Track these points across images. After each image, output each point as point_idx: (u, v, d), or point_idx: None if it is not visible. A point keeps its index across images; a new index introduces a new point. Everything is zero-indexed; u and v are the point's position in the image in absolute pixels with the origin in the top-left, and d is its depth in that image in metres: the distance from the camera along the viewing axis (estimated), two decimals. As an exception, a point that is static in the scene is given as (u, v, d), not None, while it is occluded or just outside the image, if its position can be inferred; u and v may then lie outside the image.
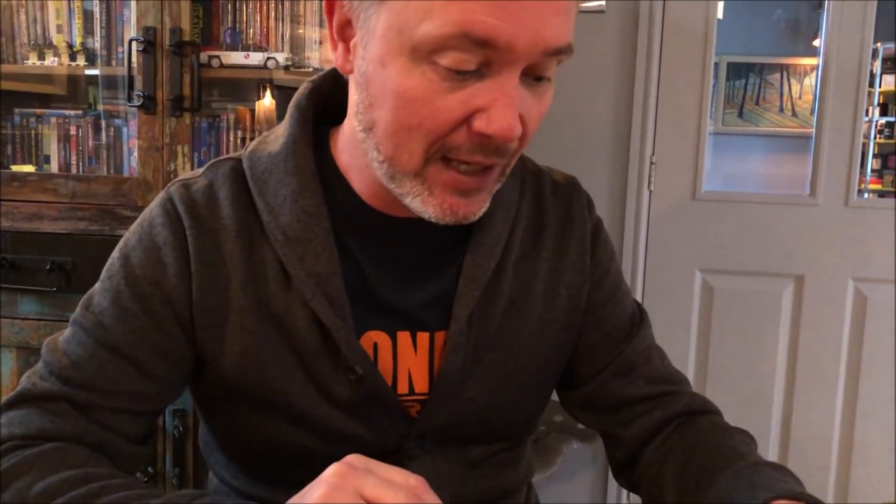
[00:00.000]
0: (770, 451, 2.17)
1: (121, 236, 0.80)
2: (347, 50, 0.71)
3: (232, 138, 1.77)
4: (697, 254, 2.13)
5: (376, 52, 0.66)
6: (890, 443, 2.10)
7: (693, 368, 2.17)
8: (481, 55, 0.63)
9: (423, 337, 0.80)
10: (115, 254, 0.78)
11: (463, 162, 0.68)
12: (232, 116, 1.78)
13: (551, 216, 0.86)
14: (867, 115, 3.85)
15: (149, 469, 1.80)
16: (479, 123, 0.65)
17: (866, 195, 3.35)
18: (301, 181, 0.76)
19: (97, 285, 0.77)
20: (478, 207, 0.71)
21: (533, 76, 0.67)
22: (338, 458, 0.80)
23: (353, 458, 0.60)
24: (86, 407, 0.72)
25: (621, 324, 0.88)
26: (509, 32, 0.61)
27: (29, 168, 1.85)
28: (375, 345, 0.78)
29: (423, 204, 0.69)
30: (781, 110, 3.80)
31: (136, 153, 1.73)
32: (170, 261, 0.75)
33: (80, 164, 1.83)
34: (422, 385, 0.80)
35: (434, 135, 0.66)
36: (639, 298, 2.13)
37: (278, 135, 0.80)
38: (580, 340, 0.87)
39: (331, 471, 0.58)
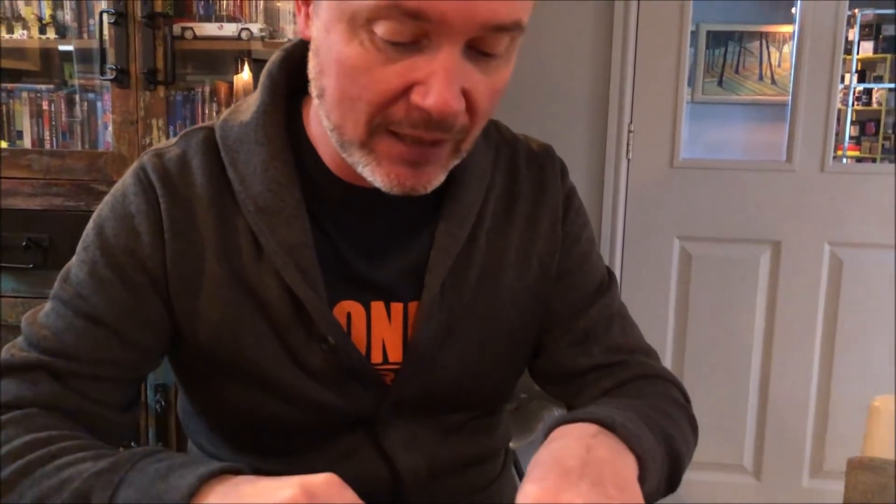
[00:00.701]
0: (748, 416, 2.21)
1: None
2: (307, 15, 0.71)
3: (208, 111, 1.76)
4: (675, 221, 2.15)
5: (324, 19, 0.66)
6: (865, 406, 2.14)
7: (672, 336, 2.19)
8: (416, 27, 0.62)
9: (396, 307, 0.80)
10: (90, 225, 0.78)
11: (407, 135, 0.67)
12: (207, 89, 1.77)
13: (525, 185, 0.86)
14: (844, 82, 3.87)
15: (132, 444, 1.81)
16: (416, 97, 0.64)
17: (845, 161, 3.37)
18: (271, 151, 0.76)
19: (74, 258, 0.77)
20: (427, 180, 0.70)
21: (479, 51, 0.66)
22: (313, 427, 0.82)
23: (320, 485, 0.54)
24: (64, 375, 0.72)
25: (586, 293, 0.87)
26: (440, 5, 0.60)
27: (1, 144, 1.83)
28: (349, 314, 0.79)
29: (372, 173, 0.69)
30: (761, 78, 3.81)
31: (110, 127, 1.72)
32: (144, 229, 0.74)
33: (54, 139, 1.81)
34: (396, 355, 0.80)
35: (374, 106, 0.66)
36: (617, 267, 2.15)
37: (250, 104, 0.79)
38: (546, 309, 0.87)
39: (285, 495, 0.53)
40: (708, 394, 2.19)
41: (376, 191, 0.74)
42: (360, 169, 0.70)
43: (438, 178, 0.71)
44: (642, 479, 0.63)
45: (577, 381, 0.86)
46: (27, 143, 1.83)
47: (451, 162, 0.72)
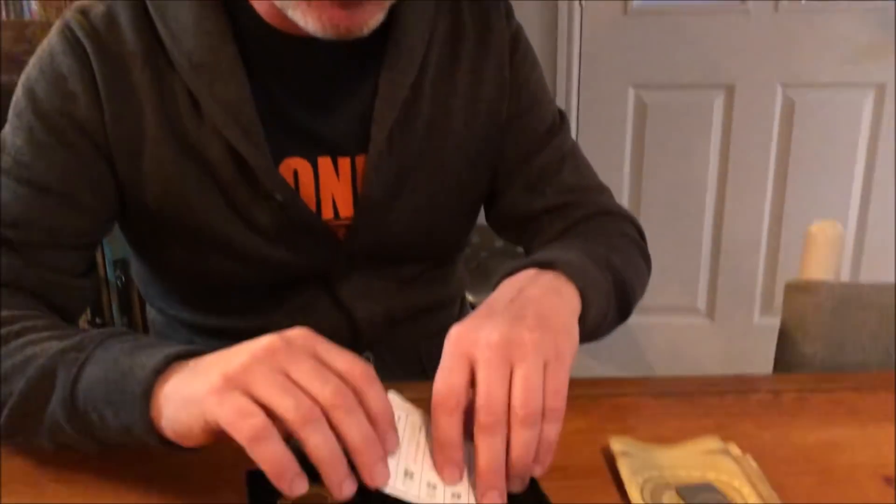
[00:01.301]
0: (702, 259, 2.27)
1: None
2: None
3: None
4: (630, 70, 2.12)
5: None
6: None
7: (628, 183, 2.22)
8: None
9: (344, 162, 0.79)
10: (19, 91, 0.74)
11: None
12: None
13: (469, 29, 0.83)
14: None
15: (96, 319, 1.82)
16: None
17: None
18: (201, 3, 0.72)
19: (6, 128, 0.74)
20: (363, 20, 0.67)
21: None
22: (270, 283, 0.82)
23: (296, 334, 0.52)
24: (19, 246, 0.71)
25: (537, 136, 0.86)
26: None
27: (-81, 17, 1.72)
28: (295, 172, 0.78)
29: (304, 17, 0.66)
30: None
31: (34, -7, 1.62)
32: (78, 90, 0.71)
33: (-25, 9, 1.71)
34: (347, 210, 0.80)
35: None
36: (573, 117, 2.14)
37: None
38: (497, 155, 0.86)
39: (263, 342, 0.51)
40: (663, 239, 2.24)
41: (314, 39, 0.71)
42: (290, 13, 0.67)
43: (376, 19, 0.68)
44: (585, 309, 0.64)
45: (531, 224, 0.86)
46: (-53, 15, 1.72)
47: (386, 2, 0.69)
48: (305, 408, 0.48)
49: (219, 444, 0.63)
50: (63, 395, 0.56)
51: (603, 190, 0.89)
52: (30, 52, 1.63)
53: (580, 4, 2.06)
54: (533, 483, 0.54)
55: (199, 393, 0.50)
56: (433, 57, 0.80)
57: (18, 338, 0.62)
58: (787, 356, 0.83)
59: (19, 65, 1.63)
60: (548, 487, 0.54)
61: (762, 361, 0.88)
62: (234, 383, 0.49)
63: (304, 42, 0.74)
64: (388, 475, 0.50)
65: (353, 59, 0.77)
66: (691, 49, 2.10)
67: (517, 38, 0.86)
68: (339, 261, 0.82)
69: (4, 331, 0.62)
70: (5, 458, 0.62)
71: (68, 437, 0.58)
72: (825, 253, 0.83)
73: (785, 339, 0.83)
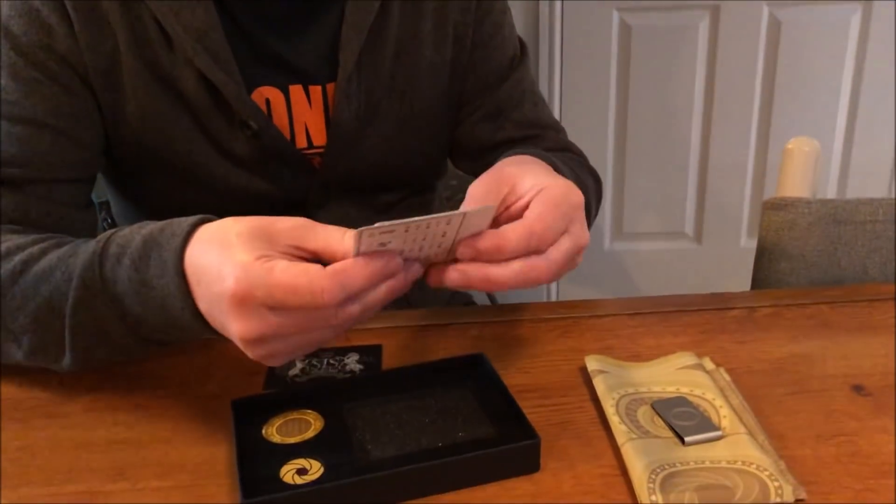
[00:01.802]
0: (689, 183, 2.27)
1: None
2: None
3: None
4: (614, -9, 2.08)
5: None
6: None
7: (613, 107, 2.20)
8: None
9: (315, 90, 0.79)
10: None
11: None
12: None
13: None
14: None
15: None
16: None
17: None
18: None
19: None
20: None
21: None
22: (248, 215, 0.82)
23: (243, 298, 0.49)
24: (21, 183, 0.70)
25: (499, 67, 0.87)
26: None
27: None
28: (268, 101, 0.78)
29: None
30: None
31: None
32: (53, 21, 0.70)
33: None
34: (320, 138, 0.80)
35: None
36: (557, 41, 2.11)
37: None
38: (461, 82, 0.86)
39: (231, 329, 0.50)
40: (650, 164, 2.24)
41: None
42: None
43: None
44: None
45: (489, 155, 0.87)
46: None
47: None
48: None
49: (205, 377, 0.65)
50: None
51: (560, 129, 0.91)
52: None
53: (562, -75, 2.01)
54: (518, 412, 0.55)
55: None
56: None
57: (24, 273, 0.61)
58: (763, 273, 0.84)
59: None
60: (526, 406, 0.56)
61: (749, 284, 0.89)
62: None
63: None
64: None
65: None
66: (676, -32, 2.05)
67: None
68: (315, 190, 0.82)
69: (11, 265, 0.62)
70: (-5, 396, 0.64)
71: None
72: (802, 170, 0.83)
73: (762, 256, 0.84)
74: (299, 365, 0.66)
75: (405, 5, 0.80)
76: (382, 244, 0.50)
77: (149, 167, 0.78)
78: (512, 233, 0.53)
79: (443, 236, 0.52)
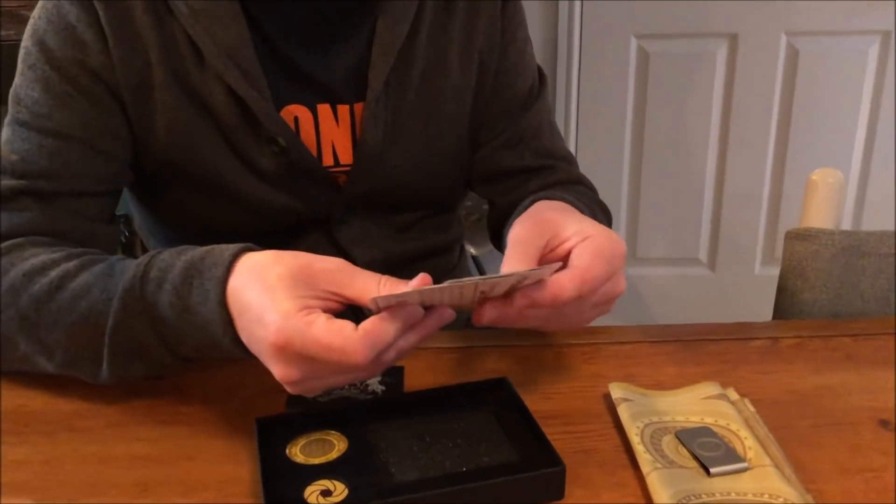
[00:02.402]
0: (704, 209, 2.27)
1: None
2: None
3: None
4: (632, 18, 2.09)
5: None
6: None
7: (630, 133, 2.20)
8: None
9: (343, 109, 0.80)
10: (27, 42, 0.74)
11: None
12: None
13: None
14: None
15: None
16: None
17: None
18: None
19: (18, 79, 0.74)
20: None
21: None
22: (271, 229, 0.83)
23: (280, 355, 0.53)
24: (49, 196, 0.71)
25: (520, 94, 0.88)
26: None
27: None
28: (296, 118, 0.79)
29: None
30: None
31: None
32: (88, 38, 0.72)
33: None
34: (346, 157, 0.81)
35: None
36: (575, 67, 2.12)
37: None
38: (483, 107, 0.87)
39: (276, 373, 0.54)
40: (665, 190, 2.24)
41: None
42: None
43: None
44: None
45: (506, 181, 0.89)
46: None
47: None
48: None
49: (229, 394, 0.65)
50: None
51: (573, 161, 0.93)
52: (28, 7, 1.62)
53: (582, -48, 2.03)
54: (542, 438, 0.55)
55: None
56: (428, 5, 0.81)
57: (60, 291, 0.62)
58: (785, 304, 0.84)
59: (20, 19, 1.62)
60: (549, 432, 0.56)
61: (763, 312, 0.89)
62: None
63: None
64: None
65: (351, 5, 0.78)
66: (694, -3, 2.07)
67: None
68: (338, 206, 0.83)
69: (47, 280, 0.62)
70: (17, 408, 0.64)
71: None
72: (826, 201, 0.83)
73: (784, 287, 0.84)
74: (321, 385, 0.66)
75: (433, 29, 0.81)
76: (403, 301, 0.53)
77: (175, 181, 0.79)
78: (569, 283, 0.56)
79: (490, 290, 0.55)
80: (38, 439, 0.60)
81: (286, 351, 0.51)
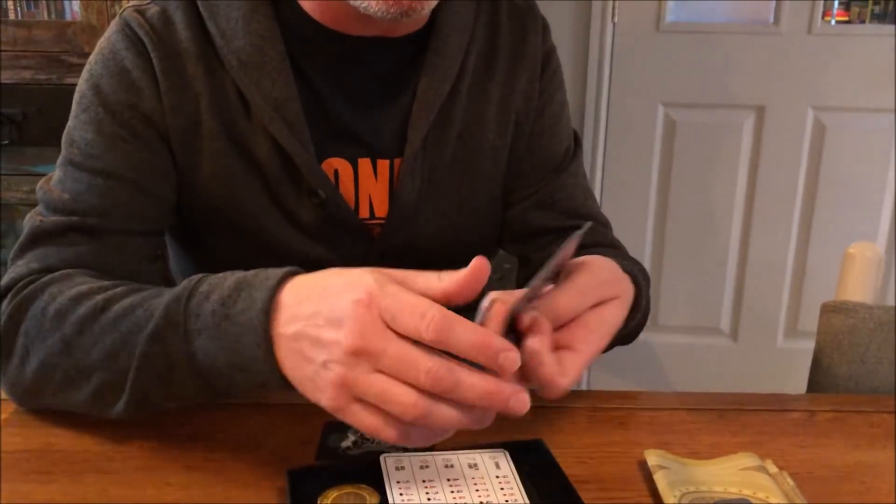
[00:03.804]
0: (727, 280, 2.26)
1: (69, 85, 0.79)
2: None
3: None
4: (660, 87, 2.12)
5: None
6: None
7: (654, 200, 2.21)
8: None
9: (383, 164, 0.81)
10: (83, 86, 0.76)
11: None
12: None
13: (505, 39, 0.85)
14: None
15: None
16: None
17: (833, 23, 3.30)
18: (252, 4, 0.75)
19: (72, 122, 0.76)
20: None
21: None
22: None
23: (357, 311, 0.50)
24: (97, 232, 0.72)
25: (554, 156, 0.89)
26: None
27: (-37, 14, 1.75)
28: (336, 171, 0.80)
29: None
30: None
31: (76, -5, 1.65)
32: (142, 84, 0.74)
33: (18, 8, 1.74)
34: (382, 209, 0.82)
35: None
36: (601, 132, 2.14)
37: None
38: (517, 167, 0.88)
39: (343, 342, 0.50)
40: (688, 258, 2.24)
41: (362, 39, 0.74)
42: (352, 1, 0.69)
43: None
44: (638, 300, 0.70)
45: (538, 239, 0.89)
46: (-10, 13, 1.76)
47: None
48: (413, 411, 0.49)
49: (258, 442, 0.65)
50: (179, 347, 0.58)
51: (607, 224, 0.94)
52: (70, 53, 1.67)
53: (612, 21, 2.07)
54: (573, 495, 0.54)
55: (315, 396, 0.53)
56: (470, 65, 0.83)
57: (105, 311, 0.62)
58: (820, 377, 0.83)
59: (59, 63, 1.66)
60: (585, 498, 0.55)
61: (786, 385, 0.88)
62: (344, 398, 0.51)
63: (352, 42, 0.76)
64: (525, 400, 0.50)
65: (395, 61, 0.80)
66: (723, 68, 2.09)
67: (549, 57, 0.89)
68: (371, 259, 0.83)
69: (92, 302, 0.63)
70: (47, 447, 0.63)
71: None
72: (863, 274, 0.82)
73: (820, 360, 0.83)
74: (351, 438, 0.65)
75: (474, 88, 0.83)
76: None
77: (215, 226, 0.80)
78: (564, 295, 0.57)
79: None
80: (65, 479, 0.60)
81: (371, 308, 0.49)
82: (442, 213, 0.84)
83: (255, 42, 0.74)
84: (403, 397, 0.49)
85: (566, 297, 0.57)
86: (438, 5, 0.81)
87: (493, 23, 0.85)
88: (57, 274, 0.68)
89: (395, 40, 0.78)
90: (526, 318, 0.55)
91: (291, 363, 0.53)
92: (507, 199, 0.89)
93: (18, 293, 0.67)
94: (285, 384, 0.55)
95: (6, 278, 0.70)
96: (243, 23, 0.74)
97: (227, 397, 0.62)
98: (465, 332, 0.49)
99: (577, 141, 0.93)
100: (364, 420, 0.51)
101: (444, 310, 0.49)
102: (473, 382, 0.49)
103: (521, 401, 0.50)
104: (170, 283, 0.89)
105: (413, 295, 0.50)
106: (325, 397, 0.52)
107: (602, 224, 0.92)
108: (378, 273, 0.52)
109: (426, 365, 0.48)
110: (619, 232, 0.95)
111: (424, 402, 0.49)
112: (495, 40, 0.85)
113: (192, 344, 0.57)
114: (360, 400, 0.51)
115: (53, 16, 1.76)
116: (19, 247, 0.72)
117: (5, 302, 0.67)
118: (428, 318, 0.48)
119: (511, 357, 0.49)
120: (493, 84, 0.84)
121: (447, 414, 0.50)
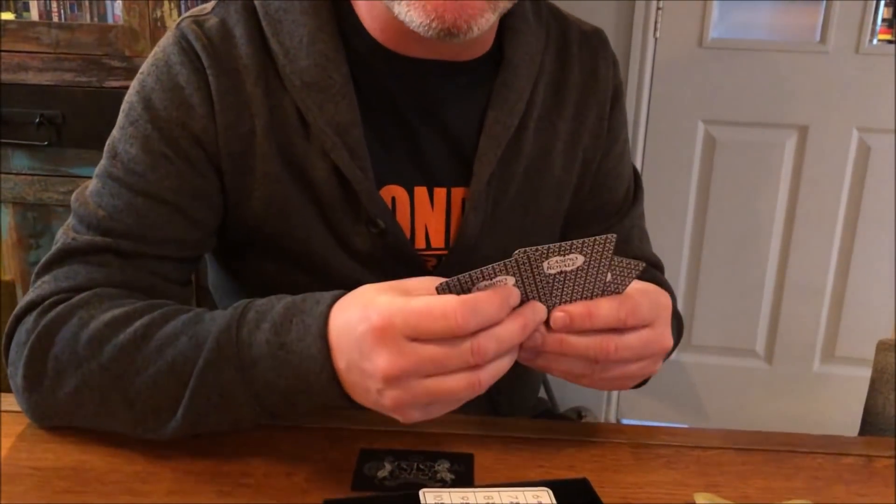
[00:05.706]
0: (763, 301, 2.21)
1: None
2: None
3: (219, -18, 1.68)
4: (701, 104, 2.09)
5: None
6: (881, 296, 2.14)
7: (692, 219, 2.17)
8: None
9: (440, 192, 0.78)
10: (133, 98, 0.73)
11: None
12: (218, -42, 1.68)
13: (575, 72, 0.82)
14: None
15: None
16: None
17: (875, 42, 3.24)
18: (317, 23, 0.71)
19: (117, 133, 0.73)
20: (471, 15, 0.64)
21: None
22: None
23: (383, 333, 0.53)
24: (131, 256, 0.70)
25: (616, 198, 0.88)
26: None
27: (8, 15, 1.77)
28: (394, 199, 0.76)
29: (408, 9, 0.64)
30: (794, -45, 3.60)
31: (119, -1, 1.65)
32: (195, 101, 0.71)
33: (62, 11, 1.75)
34: (438, 241, 0.79)
35: None
36: (640, 148, 2.11)
37: None
38: (580, 204, 0.86)
39: (378, 365, 0.53)
40: (725, 278, 2.19)
41: (425, 62, 0.72)
42: (395, 9, 0.65)
43: (485, 19, 0.65)
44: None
45: None
46: (34, 15, 1.77)
47: (501, 3, 0.67)
48: (475, 389, 0.54)
49: (292, 468, 0.63)
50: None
51: (661, 267, 0.92)
52: (111, 56, 1.67)
53: (654, 37, 2.04)
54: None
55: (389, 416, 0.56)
56: (539, 96, 0.80)
57: (146, 340, 0.62)
58: (875, 417, 0.79)
59: (100, 66, 1.66)
60: (634, 543, 0.52)
61: (820, 412, 0.85)
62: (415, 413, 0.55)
63: (414, 63, 0.73)
64: (542, 308, 0.57)
65: (457, 86, 0.76)
66: (765, 86, 2.05)
67: (619, 92, 0.87)
68: None
69: (132, 330, 0.62)
70: (79, 465, 0.62)
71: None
72: (922, 312, 0.79)
73: (874, 399, 0.80)
74: (388, 467, 0.63)
75: (542, 122, 0.80)
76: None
77: (265, 249, 0.77)
78: (607, 302, 0.58)
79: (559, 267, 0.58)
80: (95, 499, 0.59)
81: (387, 332, 0.52)
82: (500, 249, 0.80)
83: (320, 63, 0.71)
84: (460, 385, 0.53)
85: (609, 304, 0.58)
86: (510, 32, 0.78)
87: (563, 53, 0.82)
88: (85, 295, 0.66)
89: (457, 64, 0.75)
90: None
91: (353, 392, 0.56)
92: (564, 237, 0.87)
93: (45, 313, 0.65)
94: (351, 404, 0.57)
95: (33, 294, 0.68)
96: (308, 41, 0.71)
97: (283, 419, 0.64)
98: (486, 300, 0.53)
99: (637, 182, 0.91)
100: (443, 410, 0.56)
101: (455, 297, 0.53)
102: (510, 329, 0.54)
103: (539, 310, 0.56)
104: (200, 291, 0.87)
105: (423, 301, 0.52)
106: (398, 419, 0.55)
107: (656, 267, 0.90)
108: (384, 291, 0.55)
109: (466, 346, 0.52)
110: (655, 250, 0.93)
111: (477, 376, 0.53)
112: (565, 72, 0.82)
113: (248, 373, 0.58)
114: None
115: (96, 19, 1.77)
116: (47, 261, 0.70)
117: (31, 319, 0.65)
118: (451, 315, 0.51)
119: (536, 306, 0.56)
120: (561, 119, 0.81)
121: (500, 365, 0.55)
